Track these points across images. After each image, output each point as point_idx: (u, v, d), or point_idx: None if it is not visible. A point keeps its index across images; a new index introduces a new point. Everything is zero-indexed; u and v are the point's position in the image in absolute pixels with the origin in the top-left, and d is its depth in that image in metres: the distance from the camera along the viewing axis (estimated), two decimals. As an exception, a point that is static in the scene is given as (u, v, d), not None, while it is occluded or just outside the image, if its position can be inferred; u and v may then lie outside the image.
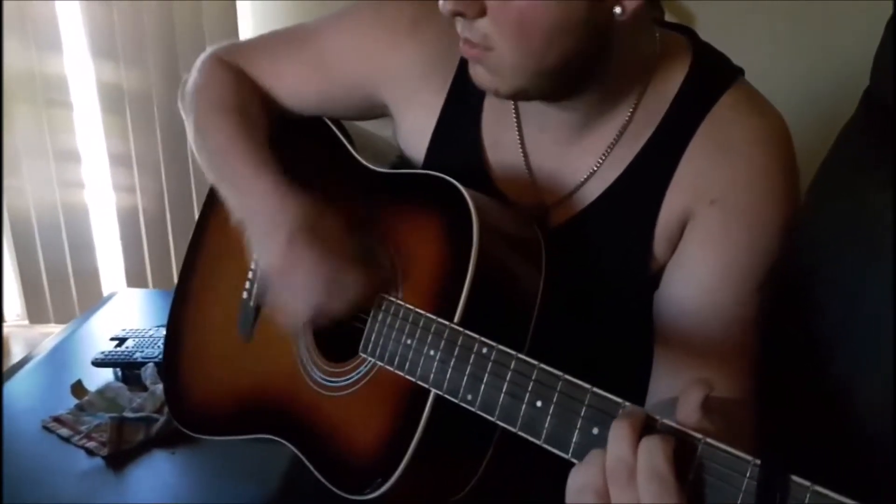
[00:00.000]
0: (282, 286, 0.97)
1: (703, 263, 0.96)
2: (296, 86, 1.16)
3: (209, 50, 1.21)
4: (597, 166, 1.00)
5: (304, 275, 0.94)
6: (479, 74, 0.92)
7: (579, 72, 0.91)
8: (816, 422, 1.08)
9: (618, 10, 0.85)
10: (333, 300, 0.94)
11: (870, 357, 1.00)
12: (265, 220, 1.00)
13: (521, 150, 1.04)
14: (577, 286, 0.99)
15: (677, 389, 0.70)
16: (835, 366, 1.06)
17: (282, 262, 0.96)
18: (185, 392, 1.19)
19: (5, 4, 2.46)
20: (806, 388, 1.10)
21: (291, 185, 1.03)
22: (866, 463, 0.99)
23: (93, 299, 2.70)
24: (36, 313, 2.89)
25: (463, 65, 1.05)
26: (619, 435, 0.66)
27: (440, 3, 0.87)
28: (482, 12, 0.85)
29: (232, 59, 1.19)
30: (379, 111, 1.15)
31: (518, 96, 0.95)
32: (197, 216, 1.28)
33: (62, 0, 2.56)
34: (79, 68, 2.64)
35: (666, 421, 0.66)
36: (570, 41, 0.85)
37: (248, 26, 2.55)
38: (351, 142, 1.14)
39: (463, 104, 1.07)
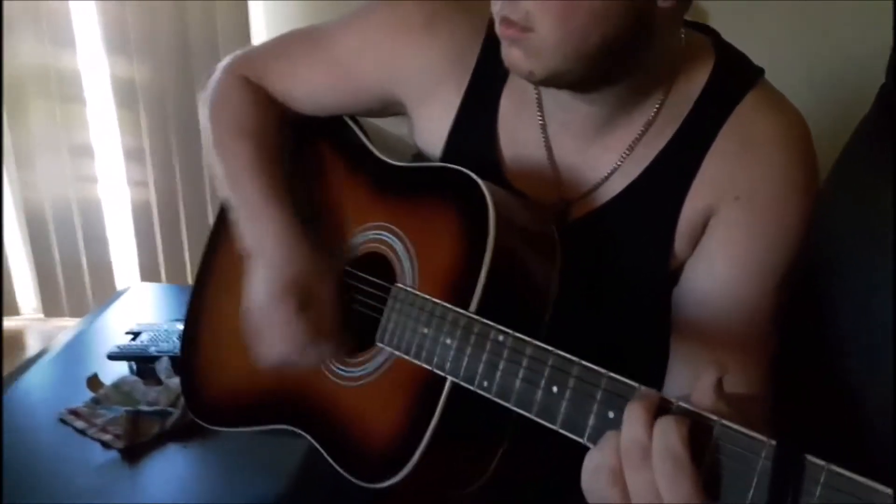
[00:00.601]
0: (258, 330, 1.02)
1: (724, 259, 0.97)
2: (312, 88, 1.16)
3: (226, 60, 1.21)
4: (619, 162, 1.00)
5: (279, 331, 1.00)
6: (513, 57, 0.90)
7: (615, 60, 0.90)
8: (829, 419, 1.08)
9: None
10: (297, 360, 1.01)
11: (883, 355, 1.00)
12: (265, 262, 1.04)
13: (544, 145, 1.03)
14: (595, 281, 1.00)
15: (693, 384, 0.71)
16: (848, 363, 1.05)
17: (267, 311, 1.01)
18: (202, 384, 1.20)
19: (20, 3, 2.47)
20: (819, 385, 1.10)
21: (299, 225, 1.07)
22: (878, 460, 0.99)
23: (107, 293, 2.71)
24: (51, 307, 2.91)
25: (480, 62, 1.05)
26: (633, 416, 0.66)
27: None
28: None
29: (249, 70, 1.19)
30: (395, 109, 1.15)
31: (551, 81, 0.92)
32: (210, 210, 1.29)
33: (76, -3, 2.57)
34: (92, 64, 2.65)
35: (682, 403, 0.66)
36: (612, 24, 0.85)
37: (261, 21, 2.55)
38: (368, 136, 1.14)
39: (480, 101, 1.06)
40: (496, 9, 0.88)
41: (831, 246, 1.09)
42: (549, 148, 1.03)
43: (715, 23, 1.04)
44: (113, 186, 2.81)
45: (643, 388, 0.69)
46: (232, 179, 1.12)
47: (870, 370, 1.01)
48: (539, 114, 1.03)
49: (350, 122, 1.17)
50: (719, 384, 0.67)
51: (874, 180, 1.09)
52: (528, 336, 0.79)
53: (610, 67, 0.91)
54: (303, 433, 1.02)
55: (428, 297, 0.90)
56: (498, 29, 0.90)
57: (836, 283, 1.09)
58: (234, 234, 1.10)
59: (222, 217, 1.26)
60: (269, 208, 1.07)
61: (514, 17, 0.86)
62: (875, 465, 0.97)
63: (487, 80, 1.05)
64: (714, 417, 0.64)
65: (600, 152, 1.01)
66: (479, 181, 0.91)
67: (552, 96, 1.00)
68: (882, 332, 0.99)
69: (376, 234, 1.02)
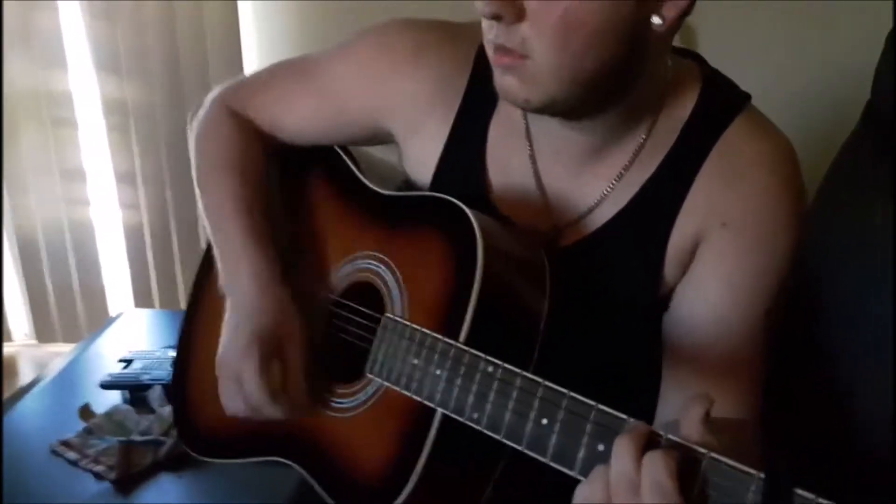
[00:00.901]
0: (224, 379, 1.02)
1: (713, 284, 0.97)
2: (301, 119, 1.16)
3: (215, 92, 1.21)
4: (609, 190, 1.00)
5: (240, 387, 0.99)
6: (508, 85, 0.89)
7: (608, 86, 0.90)
8: (820, 430, 1.08)
9: (657, 20, 0.85)
10: (256, 415, 1.00)
11: (873, 367, 1.00)
12: (237, 308, 1.04)
13: (533, 173, 1.03)
14: (586, 307, 0.99)
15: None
16: (838, 375, 1.06)
17: (232, 362, 1.01)
18: (194, 414, 1.19)
19: (10, 22, 2.46)
20: (809, 398, 1.10)
21: (276, 267, 1.07)
22: (869, 471, 0.99)
23: (100, 317, 2.71)
24: (44, 332, 2.89)
25: (468, 92, 1.05)
26: (621, 450, 0.66)
27: (478, 5, 0.84)
28: (522, 15, 0.83)
29: (237, 102, 1.19)
30: (384, 138, 1.15)
31: (546, 109, 0.91)
32: (202, 233, 1.29)
33: (66, 17, 2.56)
34: (83, 85, 2.64)
35: (670, 436, 0.66)
36: (608, 48, 0.85)
37: (252, 43, 2.55)
38: (357, 165, 1.14)
39: (468, 131, 1.06)
40: (490, 36, 0.88)
41: (820, 260, 1.09)
42: (537, 176, 1.03)
43: (702, 41, 1.04)
44: (105, 209, 2.80)
45: (632, 420, 0.69)
46: (214, 215, 1.12)
47: (861, 381, 1.02)
48: (528, 142, 1.03)
49: (339, 151, 1.17)
50: (707, 416, 0.67)
51: (864, 195, 1.10)
52: (520, 363, 0.79)
53: (603, 93, 0.91)
54: (294, 465, 1.02)
55: (417, 327, 0.90)
56: (492, 57, 0.89)
57: (825, 297, 1.10)
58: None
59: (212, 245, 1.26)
60: (247, 249, 1.07)
61: (511, 45, 0.85)
62: (869, 473, 0.98)
63: (476, 109, 1.05)
64: (703, 450, 0.64)
65: (590, 179, 1.01)
66: (468, 210, 0.91)
67: (541, 125, 1.00)
68: (873, 343, 1.00)
69: (365, 264, 1.02)
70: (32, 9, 2.51)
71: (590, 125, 0.96)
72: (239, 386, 0.99)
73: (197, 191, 1.16)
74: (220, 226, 1.11)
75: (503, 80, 0.89)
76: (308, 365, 1.02)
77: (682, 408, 0.69)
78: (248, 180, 1.13)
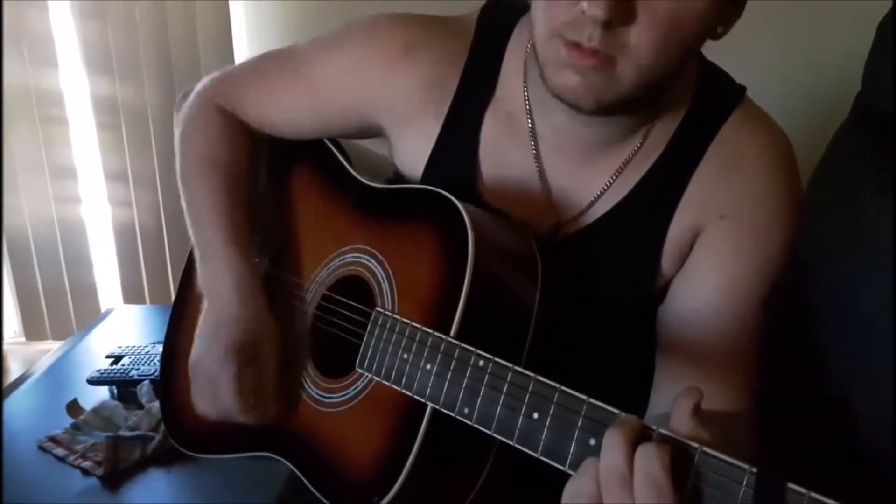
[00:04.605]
0: (197, 383, 1.03)
1: (710, 277, 0.97)
2: (290, 113, 1.15)
3: (202, 84, 1.20)
4: (608, 185, 1.00)
5: (217, 390, 0.99)
6: (580, 86, 0.84)
7: (662, 87, 0.90)
8: (813, 428, 1.08)
9: (720, 28, 0.87)
10: (234, 419, 1.01)
11: (866, 363, 1.00)
12: (215, 312, 1.04)
13: (536, 167, 1.03)
14: (583, 298, 1.00)
15: None
16: (831, 372, 1.06)
17: (208, 366, 1.00)
18: (182, 410, 1.18)
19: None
20: (802, 394, 1.10)
21: (256, 274, 1.07)
22: (864, 469, 0.99)
23: (90, 315, 2.70)
24: (33, 330, 2.88)
25: (461, 88, 1.04)
26: (611, 444, 0.66)
27: (586, 6, 0.79)
28: (632, 18, 0.80)
29: (223, 97, 1.18)
30: (375, 132, 1.14)
31: (607, 110, 0.88)
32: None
33: (57, 16, 2.56)
34: (74, 84, 2.63)
35: (662, 430, 0.66)
36: (690, 52, 0.85)
37: (243, 41, 2.55)
38: (347, 158, 1.14)
39: (461, 126, 1.05)
40: (573, 36, 0.82)
41: (812, 254, 1.09)
42: (541, 171, 1.03)
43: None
44: (95, 207, 2.79)
45: (623, 414, 0.69)
46: (195, 214, 1.12)
47: (854, 377, 1.02)
48: (531, 137, 1.02)
49: (329, 143, 1.16)
50: (697, 409, 0.67)
51: (855, 188, 1.10)
52: (511, 356, 0.79)
53: (653, 94, 0.91)
54: (283, 460, 1.01)
55: (408, 321, 0.90)
56: (565, 56, 0.84)
57: (817, 291, 1.10)
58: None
59: None
60: (227, 250, 1.07)
61: (610, 49, 0.82)
62: (864, 470, 0.98)
63: (468, 105, 1.04)
64: (695, 445, 0.64)
65: (591, 175, 1.01)
66: (458, 203, 0.91)
67: (548, 121, 1.00)
68: (866, 338, 1.00)
69: (355, 258, 1.02)
70: (23, 8, 2.50)
71: (607, 121, 0.95)
72: (213, 391, 1.00)
73: (180, 187, 1.16)
74: (201, 225, 1.11)
75: (575, 81, 0.84)
76: (281, 374, 1.03)
77: (672, 400, 0.69)
78: (231, 181, 1.13)
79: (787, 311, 1.06)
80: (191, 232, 1.12)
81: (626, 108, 0.91)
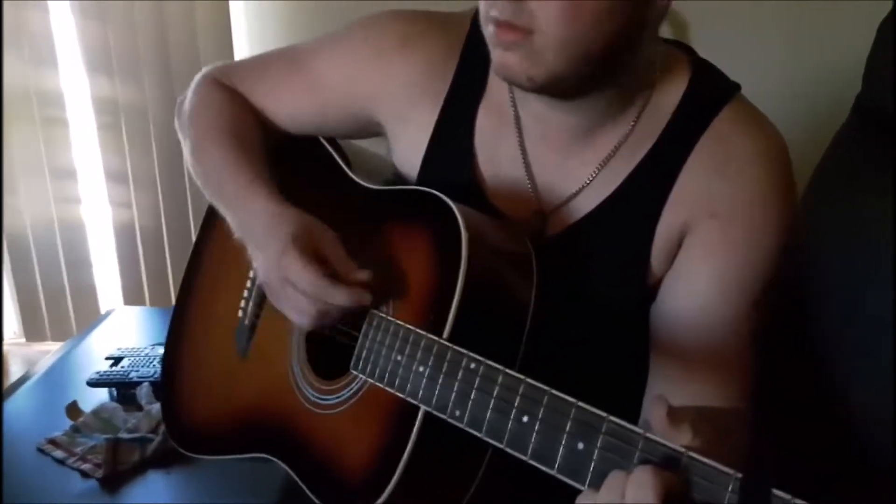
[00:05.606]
0: (276, 298, 0.98)
1: (701, 276, 0.97)
2: (290, 108, 1.17)
3: (204, 70, 1.22)
4: (594, 175, 1.00)
5: (299, 284, 0.93)
6: (510, 62, 0.88)
7: (608, 63, 0.90)
8: (813, 427, 1.08)
9: None
10: (325, 314, 0.94)
11: (868, 363, 1.00)
12: (261, 233, 1.01)
13: (522, 160, 1.04)
14: (572, 296, 1.00)
15: (672, 401, 0.71)
16: (832, 372, 1.06)
17: (276, 275, 0.96)
18: (182, 411, 1.19)
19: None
20: (803, 394, 1.10)
21: (286, 196, 1.04)
22: (863, 468, 0.99)
23: (90, 316, 2.70)
24: (33, 331, 2.88)
25: (456, 81, 1.06)
26: (612, 485, 0.67)
27: None
28: None
29: (227, 79, 1.20)
30: (374, 130, 1.15)
31: (548, 87, 0.90)
32: (193, 231, 1.29)
33: (57, 16, 2.56)
34: (74, 84, 2.64)
35: (649, 436, 0.66)
36: (613, 23, 0.85)
37: (243, 42, 2.55)
38: (345, 158, 1.15)
39: (456, 120, 1.07)
40: (493, 12, 0.86)
41: (812, 255, 1.09)
42: (527, 163, 1.04)
43: (694, 31, 1.05)
44: (96, 208, 2.79)
45: (612, 418, 0.69)
46: (215, 180, 1.11)
47: (855, 377, 1.02)
48: (517, 130, 1.03)
49: (325, 144, 1.17)
50: (671, 413, 0.67)
51: (856, 189, 1.10)
52: (506, 357, 0.79)
53: (602, 71, 0.91)
54: (279, 462, 1.02)
55: (402, 322, 0.90)
56: (492, 35, 0.88)
57: (818, 292, 1.10)
58: (214, 256, 1.09)
59: (202, 239, 1.26)
60: (252, 189, 1.05)
61: (518, 20, 0.84)
62: (864, 469, 0.98)
63: (463, 98, 1.06)
64: (682, 450, 0.64)
65: (577, 164, 1.01)
66: (452, 204, 0.91)
67: (530, 110, 1.01)
68: (867, 338, 1.00)
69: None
70: (23, 8, 2.51)
71: (581, 105, 0.96)
72: (293, 287, 0.94)
73: (194, 168, 1.15)
74: (222, 182, 1.10)
75: (505, 58, 0.88)
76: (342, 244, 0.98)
77: (672, 394, 0.69)
78: (246, 144, 1.13)
79: (787, 311, 1.06)
80: (214, 199, 1.11)
81: (583, 88, 0.93)
